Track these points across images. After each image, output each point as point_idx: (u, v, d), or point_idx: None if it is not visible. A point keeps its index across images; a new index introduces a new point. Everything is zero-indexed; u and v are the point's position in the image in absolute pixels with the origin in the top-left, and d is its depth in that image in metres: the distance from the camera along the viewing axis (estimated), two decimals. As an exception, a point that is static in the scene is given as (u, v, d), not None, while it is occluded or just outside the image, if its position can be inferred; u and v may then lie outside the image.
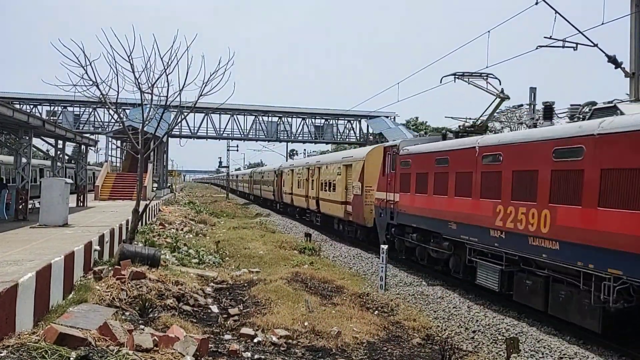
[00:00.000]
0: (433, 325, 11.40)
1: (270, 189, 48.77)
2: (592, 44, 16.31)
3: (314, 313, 11.05)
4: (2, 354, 5.90)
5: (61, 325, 7.00)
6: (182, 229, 25.61)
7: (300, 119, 66.27)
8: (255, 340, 9.16)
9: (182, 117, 19.43)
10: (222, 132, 64.41)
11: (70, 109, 59.95)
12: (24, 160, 20.47)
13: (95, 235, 13.96)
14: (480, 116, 16.99)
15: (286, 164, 45.73)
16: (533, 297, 11.48)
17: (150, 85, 15.75)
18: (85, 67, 15.13)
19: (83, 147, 31.66)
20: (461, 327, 11.27)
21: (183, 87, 15.57)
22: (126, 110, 39.15)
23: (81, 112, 60.43)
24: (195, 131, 62.42)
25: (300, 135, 66.91)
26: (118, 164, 53.19)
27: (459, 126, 17.47)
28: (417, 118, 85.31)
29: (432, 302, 13.37)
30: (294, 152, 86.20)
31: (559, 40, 16.36)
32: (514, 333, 10.47)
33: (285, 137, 66.83)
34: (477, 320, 11.54)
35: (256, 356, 8.37)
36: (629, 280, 8.86)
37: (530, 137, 11.94)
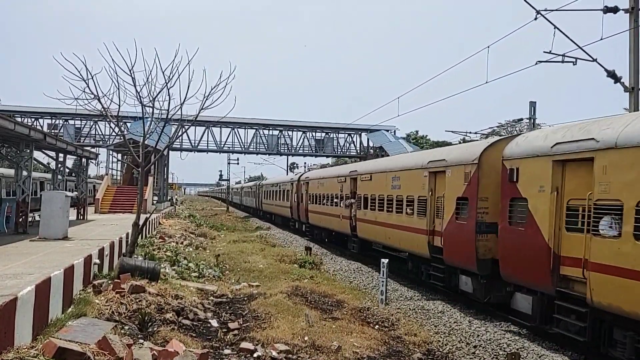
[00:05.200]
0: (434, 340, 11.32)
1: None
2: (592, 59, 16.42)
3: (314, 327, 10.99)
4: (0, 368, 5.87)
5: (60, 339, 6.97)
6: (182, 242, 25.55)
7: (301, 133, 66.53)
8: (255, 355, 9.09)
9: (183, 130, 19.49)
10: (222, 146, 64.65)
11: (71, 122, 60.31)
12: (24, 173, 20.50)
13: (95, 248, 13.93)
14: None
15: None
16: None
17: (151, 98, 15.81)
18: (87, 81, 15.20)
19: (84, 160, 31.74)
20: (462, 342, 11.19)
21: (184, 100, 15.62)
22: (127, 124, 39.31)
23: (82, 125, 60.77)
24: (196, 144, 62.64)
25: (301, 149, 67.14)
26: (118, 177, 53.27)
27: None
28: (417, 132, 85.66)
29: (433, 316, 13.30)
30: (295, 165, 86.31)
31: (558, 55, 16.49)
32: (515, 348, 10.41)
33: (286, 151, 67.06)
34: (478, 335, 11.48)
35: (256, 371, 8.31)
36: None
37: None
